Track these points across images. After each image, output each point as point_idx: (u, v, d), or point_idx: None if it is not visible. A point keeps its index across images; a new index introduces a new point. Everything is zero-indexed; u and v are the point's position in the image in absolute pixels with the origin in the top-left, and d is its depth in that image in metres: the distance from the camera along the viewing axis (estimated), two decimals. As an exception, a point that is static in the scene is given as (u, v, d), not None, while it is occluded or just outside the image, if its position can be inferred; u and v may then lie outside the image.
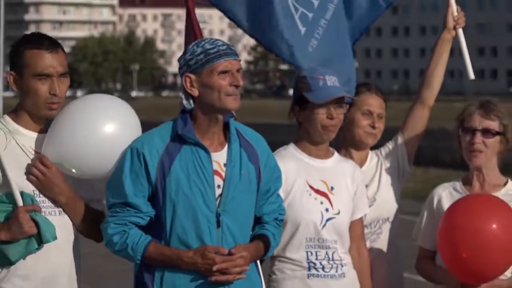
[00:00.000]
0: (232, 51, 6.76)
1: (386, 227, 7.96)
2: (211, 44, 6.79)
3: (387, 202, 7.95)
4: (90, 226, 6.94)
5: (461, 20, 8.49)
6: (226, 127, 6.87)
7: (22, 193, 6.71)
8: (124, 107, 6.79)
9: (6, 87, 7.75)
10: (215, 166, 6.77)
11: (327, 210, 7.29)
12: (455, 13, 8.50)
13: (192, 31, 8.34)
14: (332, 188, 7.33)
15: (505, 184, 7.77)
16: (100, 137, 6.61)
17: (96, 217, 6.95)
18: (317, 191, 7.30)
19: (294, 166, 7.24)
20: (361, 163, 7.88)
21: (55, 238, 6.65)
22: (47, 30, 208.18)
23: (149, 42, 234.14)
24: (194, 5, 8.79)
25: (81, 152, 6.59)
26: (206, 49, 6.76)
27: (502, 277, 7.57)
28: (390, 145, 8.09)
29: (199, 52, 6.77)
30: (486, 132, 7.65)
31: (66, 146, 6.56)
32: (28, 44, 6.97)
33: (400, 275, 8.09)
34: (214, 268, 6.60)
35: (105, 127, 6.61)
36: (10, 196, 6.71)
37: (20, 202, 6.67)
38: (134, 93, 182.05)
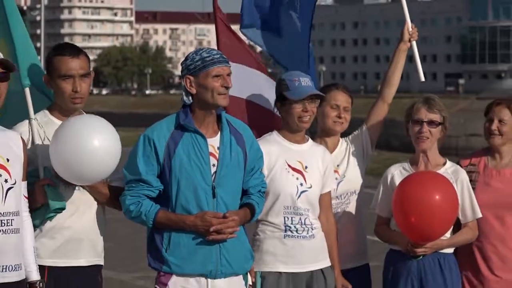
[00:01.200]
0: (224, 59, 6.85)
1: (353, 198, 7.95)
2: (207, 53, 6.89)
3: (354, 178, 7.95)
4: (113, 200, 6.95)
5: (414, 34, 8.52)
6: (219, 118, 6.94)
7: (44, 169, 6.75)
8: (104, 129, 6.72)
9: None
10: (211, 149, 6.82)
11: (301, 184, 7.30)
12: (410, 29, 8.53)
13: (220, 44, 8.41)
14: (306, 167, 7.34)
15: (444, 163, 7.79)
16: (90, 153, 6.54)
17: (117, 193, 6.95)
18: (294, 169, 7.31)
19: (276, 149, 7.25)
20: (333, 148, 7.88)
21: (62, 207, 6.67)
22: (79, 41, 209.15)
23: (160, 51, 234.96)
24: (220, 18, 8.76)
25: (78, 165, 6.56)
26: (203, 57, 6.85)
27: (443, 237, 7.58)
28: (356, 133, 8.09)
29: (197, 59, 6.87)
30: (431, 123, 7.69)
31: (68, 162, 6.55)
32: (55, 52, 7.03)
33: (364, 237, 8.07)
34: (211, 229, 6.66)
35: (92, 148, 6.55)
36: (36, 171, 6.75)
37: (41, 175, 6.74)
38: (147, 91, 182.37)
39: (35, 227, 6.67)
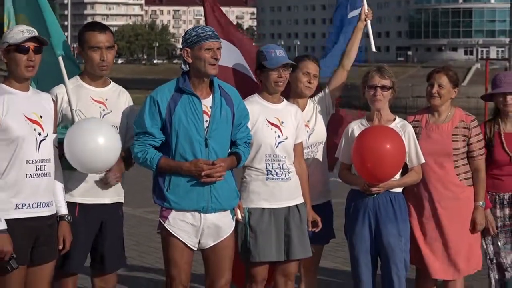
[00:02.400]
0: (215, 36, 6.87)
1: (320, 147, 7.93)
2: (202, 30, 6.89)
3: (320, 131, 7.91)
4: (128, 155, 7.00)
5: (369, 15, 8.57)
6: (211, 83, 6.94)
7: (80, 122, 6.76)
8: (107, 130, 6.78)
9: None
10: (204, 108, 6.82)
11: (279, 136, 7.29)
12: (366, 11, 8.57)
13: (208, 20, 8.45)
14: (282, 122, 7.32)
15: (394, 119, 7.80)
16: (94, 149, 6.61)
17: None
18: (272, 124, 7.28)
19: (258, 108, 7.23)
20: (303, 107, 7.83)
21: None
22: (99, 20, 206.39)
23: (164, 28, 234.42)
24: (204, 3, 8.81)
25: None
26: (198, 33, 6.85)
27: (393, 179, 7.61)
28: (320, 95, 8.07)
29: (193, 35, 6.86)
30: (383, 87, 7.69)
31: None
32: (86, 28, 7.08)
33: (328, 178, 8.06)
34: (203, 173, 6.70)
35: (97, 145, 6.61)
36: (71, 125, 6.73)
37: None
38: (155, 61, 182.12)
39: (68, 169, 6.71)
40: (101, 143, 6.56)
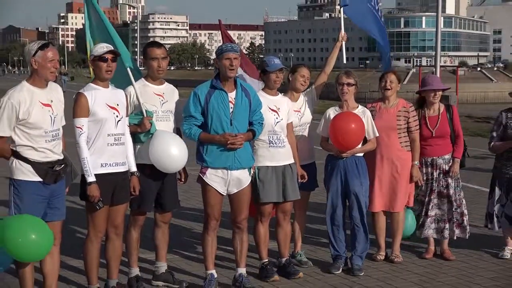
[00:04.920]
0: (233, 49, 6.83)
1: (307, 126, 7.86)
2: (224, 46, 6.90)
3: (308, 115, 7.84)
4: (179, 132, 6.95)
5: (344, 37, 8.56)
6: (235, 82, 6.90)
7: (146, 111, 6.71)
8: (180, 141, 6.83)
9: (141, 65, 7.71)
10: (230, 99, 6.79)
11: (276, 118, 7.23)
12: (343, 33, 8.57)
13: (224, 40, 8.37)
14: (279, 109, 7.27)
15: (357, 107, 7.77)
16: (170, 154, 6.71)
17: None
18: (272, 110, 7.23)
19: (262, 99, 7.14)
20: (297, 98, 7.78)
21: (155, 130, 6.70)
22: (157, 40, 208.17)
23: (202, 45, 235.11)
24: (223, 28, 9.10)
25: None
26: (222, 48, 6.86)
27: (357, 147, 7.56)
28: (308, 90, 8.00)
29: (219, 49, 6.87)
30: (349, 84, 7.67)
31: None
32: (148, 45, 7.05)
33: (313, 147, 7.99)
34: (228, 142, 6.68)
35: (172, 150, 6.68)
36: (141, 113, 6.72)
37: (144, 114, 6.71)
38: (196, 68, 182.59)
39: (141, 142, 6.76)
40: (179, 162, 6.77)
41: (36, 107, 5.81)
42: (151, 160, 6.63)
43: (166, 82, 7.08)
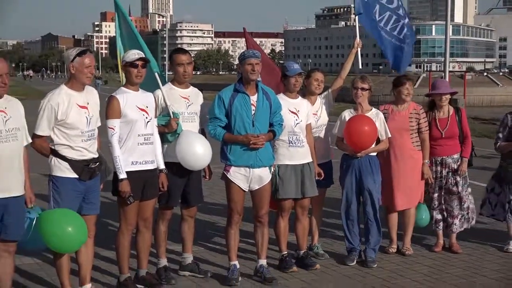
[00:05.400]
0: (254, 55, 6.81)
1: (324, 127, 7.81)
2: (246, 52, 6.89)
3: (324, 117, 7.80)
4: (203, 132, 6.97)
5: (360, 44, 8.49)
6: (257, 86, 6.88)
7: (173, 113, 6.71)
8: (204, 140, 6.78)
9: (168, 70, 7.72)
10: (252, 102, 6.77)
11: (296, 119, 7.20)
12: (358, 40, 8.50)
13: (248, 46, 8.32)
14: (298, 111, 7.23)
15: (371, 109, 7.72)
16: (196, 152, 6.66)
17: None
18: (292, 112, 7.19)
19: (283, 102, 7.10)
20: (314, 101, 7.72)
21: (181, 131, 6.68)
22: (184, 47, 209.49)
23: (226, 52, 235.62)
24: (247, 35, 8.93)
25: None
26: (244, 54, 6.85)
27: (370, 148, 7.53)
28: (325, 94, 7.97)
29: (242, 55, 6.86)
30: (363, 89, 7.63)
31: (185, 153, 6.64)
32: (174, 52, 7.03)
33: (329, 146, 7.95)
34: (250, 142, 6.67)
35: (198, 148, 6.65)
36: (168, 114, 6.72)
37: (171, 115, 6.71)
38: (220, 72, 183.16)
39: (168, 142, 6.74)
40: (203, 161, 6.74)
41: (73, 109, 5.85)
42: (178, 158, 6.63)
43: (191, 86, 7.05)
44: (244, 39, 9.13)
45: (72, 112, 5.83)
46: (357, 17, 9.02)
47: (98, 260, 7.31)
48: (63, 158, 5.86)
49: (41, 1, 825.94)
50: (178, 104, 6.83)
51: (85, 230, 5.85)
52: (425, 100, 8.50)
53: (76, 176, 5.88)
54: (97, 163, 6.04)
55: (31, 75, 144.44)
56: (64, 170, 5.86)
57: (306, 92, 7.81)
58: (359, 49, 8.54)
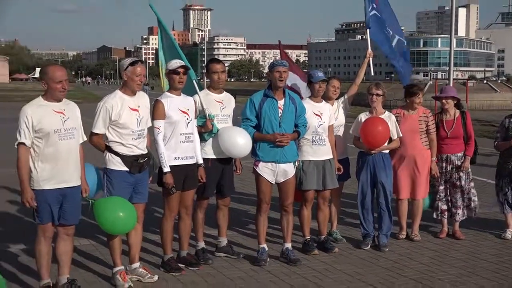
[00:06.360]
0: (282, 64, 6.76)
1: (342, 128, 7.79)
2: (275, 61, 6.83)
3: (342, 119, 7.75)
4: None
5: (371, 54, 8.39)
6: (284, 91, 6.82)
7: (209, 115, 6.68)
8: (245, 134, 6.71)
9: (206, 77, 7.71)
10: (279, 105, 6.72)
11: (319, 121, 7.15)
12: (369, 51, 8.43)
13: (283, 57, 8.24)
14: (322, 113, 7.18)
15: (384, 113, 7.65)
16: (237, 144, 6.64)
17: None
18: (316, 114, 7.14)
19: (308, 105, 7.07)
20: (332, 105, 7.65)
21: (217, 131, 6.66)
22: (221, 58, 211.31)
23: (257, 61, 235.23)
24: (281, 48, 8.92)
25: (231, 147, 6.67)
26: (273, 62, 6.81)
27: (383, 146, 7.49)
28: (342, 99, 7.93)
29: (271, 64, 6.82)
30: (377, 94, 7.58)
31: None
32: (209, 62, 7.02)
33: (346, 145, 7.91)
34: (277, 140, 6.65)
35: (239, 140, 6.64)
36: (204, 116, 6.68)
37: (207, 117, 6.68)
38: (252, 79, 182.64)
39: (205, 140, 6.71)
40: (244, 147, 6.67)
41: (126, 111, 5.88)
42: (222, 147, 6.63)
43: (225, 92, 7.02)
44: (272, 50, 9.14)
45: (124, 113, 5.87)
46: (368, 30, 8.95)
47: (146, 242, 7.34)
48: (116, 153, 5.90)
49: (97, 17, 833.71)
50: (213, 107, 6.79)
51: (135, 216, 5.88)
52: (431, 104, 8.43)
53: (127, 169, 5.92)
54: (146, 159, 6.07)
55: (89, 81, 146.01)
56: (116, 164, 5.91)
57: (327, 97, 7.78)
58: (370, 59, 8.46)
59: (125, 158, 5.91)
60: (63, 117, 5.49)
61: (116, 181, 5.92)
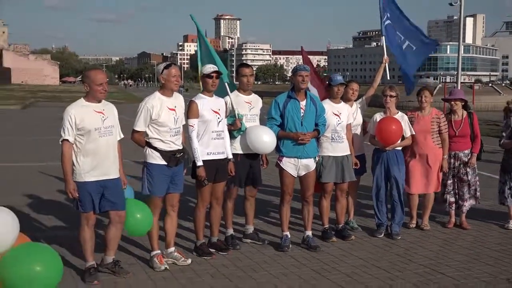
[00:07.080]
0: (304, 68, 6.72)
1: (359, 127, 7.72)
2: (298, 66, 6.78)
3: (359, 118, 7.69)
4: None
5: (387, 60, 8.38)
6: (306, 93, 6.78)
7: (238, 114, 6.67)
8: (270, 132, 6.66)
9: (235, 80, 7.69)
10: (301, 106, 6.69)
11: (338, 120, 7.11)
12: (386, 57, 8.40)
13: (306, 62, 8.14)
14: (340, 113, 7.14)
15: (398, 113, 7.59)
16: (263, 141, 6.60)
17: None
18: (335, 114, 7.10)
19: (328, 106, 7.03)
20: (351, 106, 7.60)
21: (245, 129, 6.64)
22: (248, 62, 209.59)
23: (282, 66, 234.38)
24: (305, 53, 8.80)
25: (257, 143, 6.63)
26: (296, 67, 6.76)
27: (396, 143, 7.43)
28: (360, 100, 7.88)
29: (294, 68, 6.76)
30: (391, 96, 7.52)
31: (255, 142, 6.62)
32: (239, 66, 6.97)
33: (363, 142, 7.86)
34: (299, 138, 6.62)
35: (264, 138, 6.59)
36: (234, 115, 6.67)
37: (237, 116, 6.66)
38: (277, 82, 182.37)
39: (234, 137, 6.68)
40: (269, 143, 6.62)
41: (164, 110, 5.92)
42: (249, 145, 6.61)
43: (253, 93, 7.00)
44: (295, 56, 9.12)
45: (163, 113, 5.91)
46: (383, 37, 8.86)
47: (180, 229, 7.38)
48: (155, 149, 5.95)
49: (137, 27, 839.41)
50: (242, 107, 6.79)
51: (150, 215, 5.95)
52: (440, 105, 8.35)
53: (165, 163, 5.96)
54: (181, 153, 6.09)
55: (130, 83, 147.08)
56: (156, 158, 5.95)
57: (345, 99, 7.74)
58: (386, 64, 8.42)
59: (163, 153, 5.94)
60: (103, 117, 5.57)
61: (155, 173, 5.96)
